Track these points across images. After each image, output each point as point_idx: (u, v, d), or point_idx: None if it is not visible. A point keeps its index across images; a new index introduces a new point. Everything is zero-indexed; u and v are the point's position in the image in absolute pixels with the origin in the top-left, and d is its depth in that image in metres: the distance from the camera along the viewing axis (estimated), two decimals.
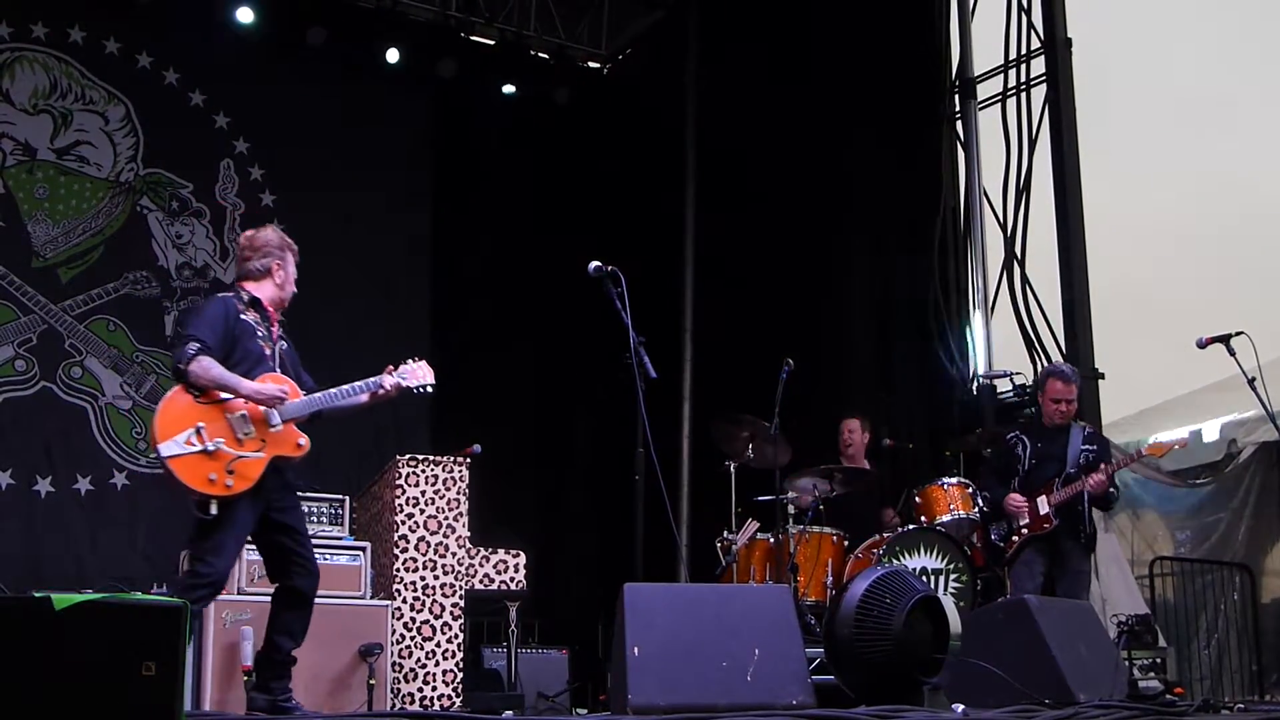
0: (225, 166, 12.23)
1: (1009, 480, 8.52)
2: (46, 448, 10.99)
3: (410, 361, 6.80)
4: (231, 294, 6.46)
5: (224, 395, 6.08)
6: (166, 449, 5.90)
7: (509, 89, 13.20)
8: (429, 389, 6.78)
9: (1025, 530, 8.30)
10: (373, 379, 6.53)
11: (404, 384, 6.67)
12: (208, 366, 6.03)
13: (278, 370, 6.37)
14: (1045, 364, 10.43)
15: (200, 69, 12.06)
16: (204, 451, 5.96)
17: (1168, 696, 6.78)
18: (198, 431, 5.97)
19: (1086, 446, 8.39)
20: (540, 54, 13.46)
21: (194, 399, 6.05)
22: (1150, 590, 9.95)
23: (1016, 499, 8.33)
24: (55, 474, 10.90)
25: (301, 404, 6.30)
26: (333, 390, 6.42)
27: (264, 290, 6.50)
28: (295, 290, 6.66)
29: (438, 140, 13.16)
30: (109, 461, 11.16)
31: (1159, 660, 8.93)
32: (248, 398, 6.09)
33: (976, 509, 8.84)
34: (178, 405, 6.03)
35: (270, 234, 6.67)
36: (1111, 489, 8.27)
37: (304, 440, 6.30)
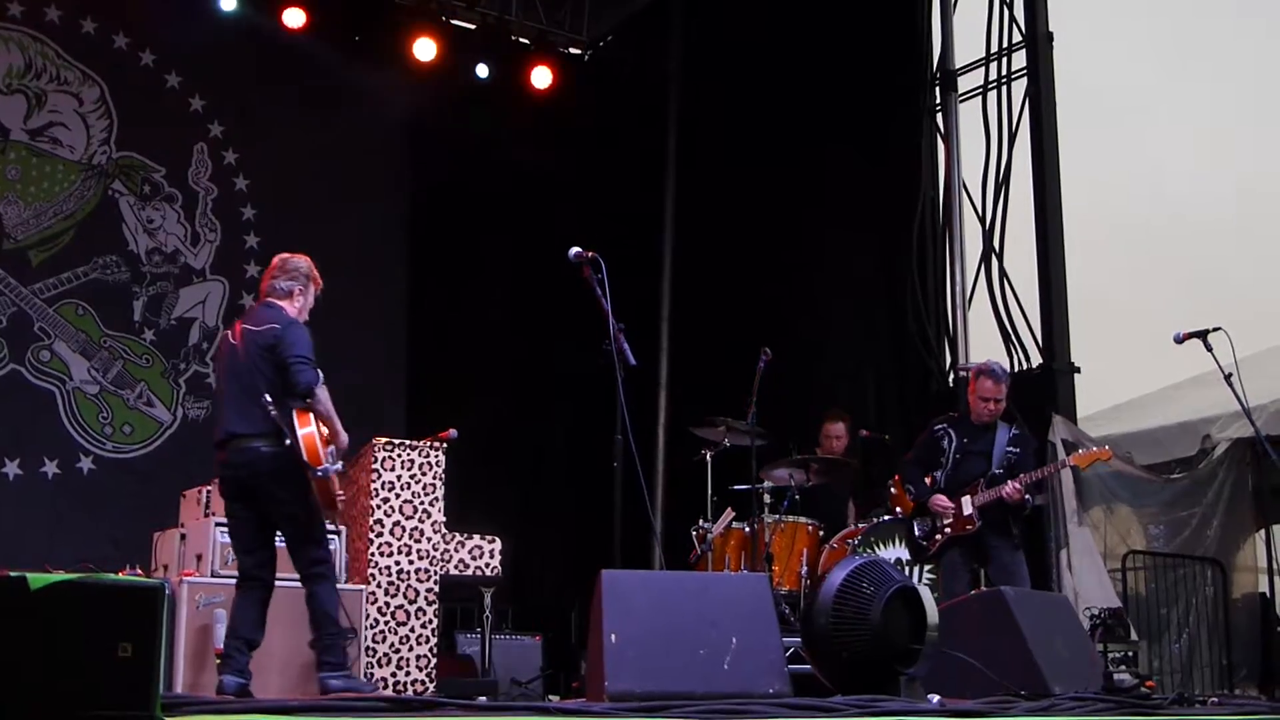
0: (199, 150, 12.16)
1: (932, 473, 8.50)
2: (15, 431, 10.92)
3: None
4: (294, 316, 6.81)
5: None
6: (331, 466, 6.45)
7: (490, 72, 13.09)
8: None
9: (948, 530, 8.28)
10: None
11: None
12: (325, 397, 6.57)
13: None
14: (1022, 357, 10.46)
15: (177, 51, 11.98)
16: (339, 470, 6.56)
17: (1142, 689, 6.79)
18: (334, 452, 6.55)
19: (1011, 449, 8.37)
20: (521, 38, 13.40)
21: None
22: (1123, 584, 9.97)
23: (942, 500, 8.30)
24: (23, 457, 10.83)
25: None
26: None
27: (294, 311, 6.85)
28: (308, 320, 6.95)
29: (415, 125, 13.09)
30: (76, 446, 11.11)
31: (1131, 654, 8.97)
32: (335, 435, 6.59)
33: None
34: (320, 427, 6.51)
35: (302, 262, 7.05)
36: (1027, 496, 8.18)
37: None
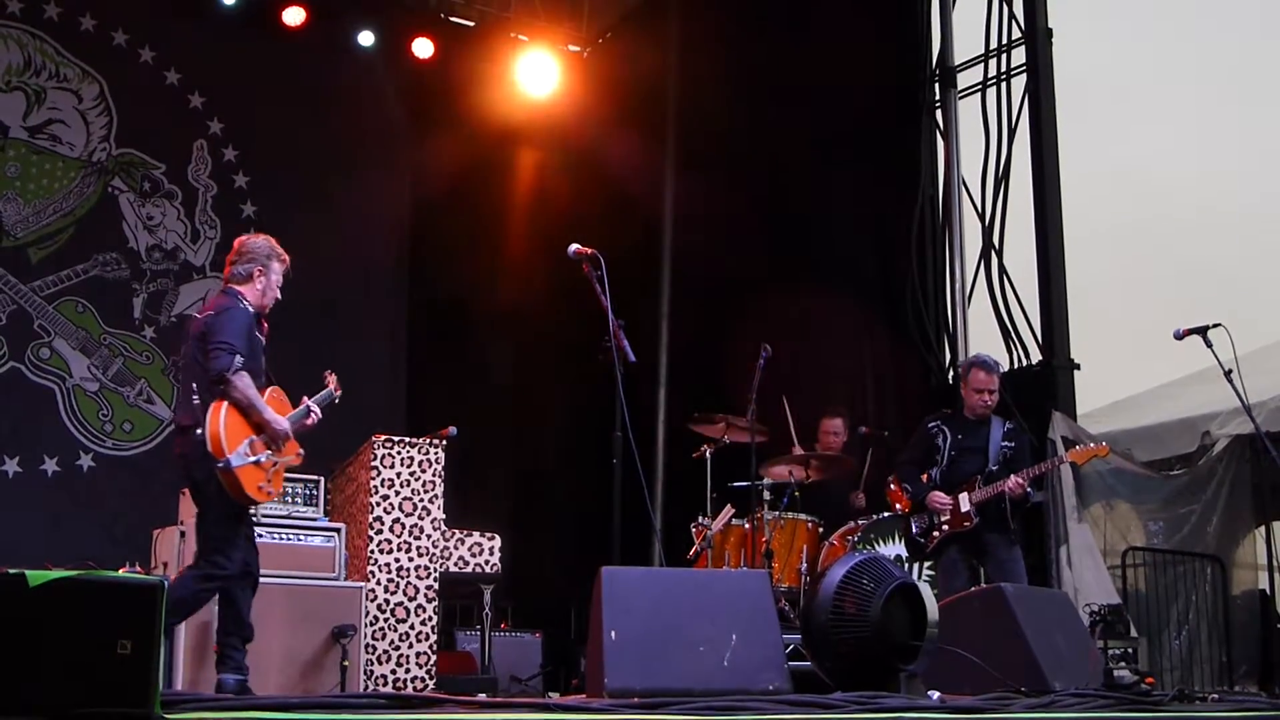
0: (199, 147, 12.16)
1: (927, 470, 8.49)
2: (14, 428, 10.92)
3: (331, 375, 7.20)
4: (242, 300, 6.59)
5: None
6: (235, 459, 6.21)
7: (489, 69, 13.09)
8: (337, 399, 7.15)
9: (946, 527, 8.27)
10: (303, 408, 6.79)
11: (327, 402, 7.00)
12: (246, 384, 6.34)
13: (274, 385, 6.68)
14: (1022, 354, 10.46)
15: (176, 48, 11.99)
16: (256, 462, 6.32)
17: (1142, 686, 6.78)
18: (251, 443, 6.31)
19: (1006, 443, 8.37)
20: (520, 35, 13.39)
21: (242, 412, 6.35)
22: (1122, 580, 9.97)
23: (940, 497, 8.28)
24: (23, 454, 10.82)
25: (297, 415, 6.69)
26: (299, 410, 6.76)
27: (250, 295, 6.65)
28: (278, 297, 6.80)
29: (415, 122, 13.09)
30: (76, 443, 11.11)
31: (1130, 650, 8.97)
32: (263, 425, 6.37)
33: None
34: (234, 417, 6.30)
35: (260, 241, 6.83)
36: (1028, 490, 8.20)
37: (301, 451, 6.69)
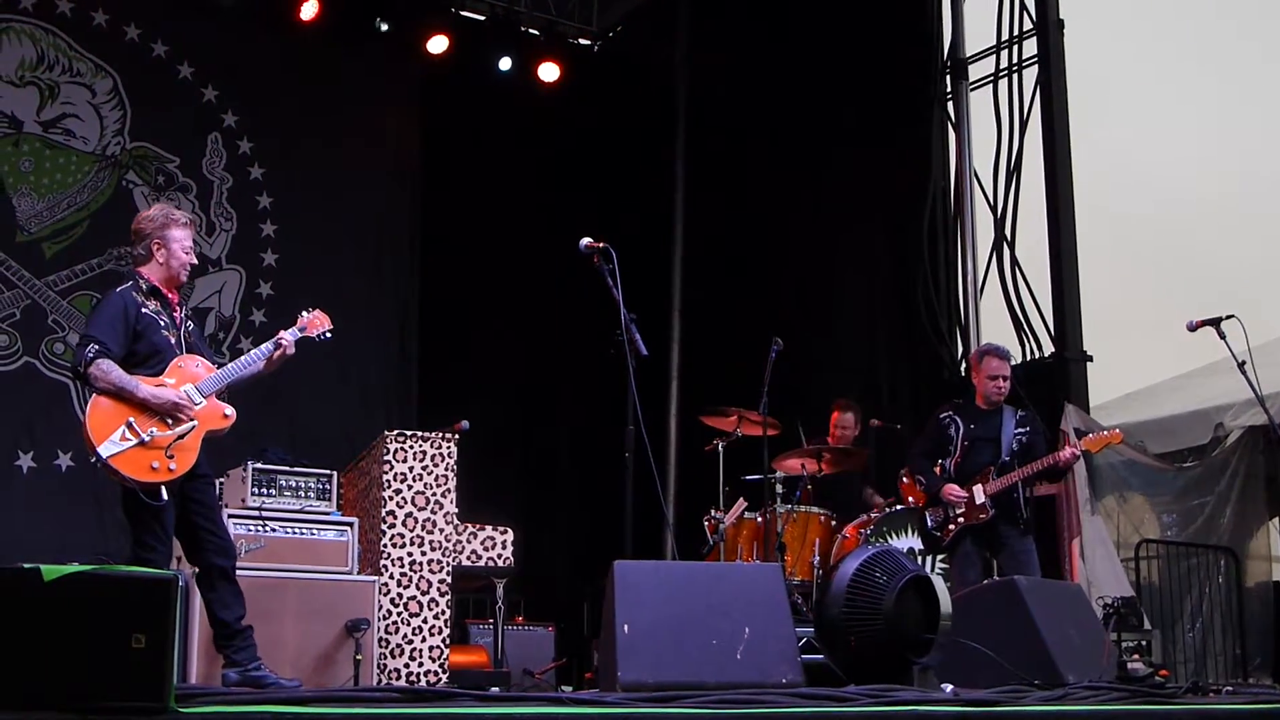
0: (213, 140, 12.15)
1: (940, 461, 8.47)
2: (29, 423, 10.91)
3: (305, 313, 6.96)
4: (130, 284, 6.51)
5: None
6: (105, 450, 6.11)
7: (500, 64, 13.11)
8: (329, 335, 6.98)
9: (961, 519, 8.24)
10: (266, 345, 6.69)
11: (306, 335, 6.86)
12: (106, 370, 6.18)
13: (185, 354, 6.50)
14: (1034, 346, 10.45)
15: (189, 41, 11.96)
16: (141, 443, 6.17)
17: (1155, 678, 6.78)
18: (129, 426, 6.17)
19: (1020, 430, 8.34)
20: (531, 30, 13.40)
21: (116, 398, 6.21)
22: (1135, 573, 9.96)
23: (954, 489, 8.25)
24: (37, 450, 10.83)
25: (215, 379, 6.49)
26: (237, 361, 6.63)
27: (154, 273, 6.57)
28: (191, 260, 6.68)
29: (427, 115, 13.09)
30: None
31: (1144, 643, 8.95)
32: (144, 402, 6.21)
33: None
34: (104, 407, 6.19)
35: (150, 213, 6.70)
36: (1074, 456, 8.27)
37: (230, 410, 6.51)
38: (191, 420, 6.32)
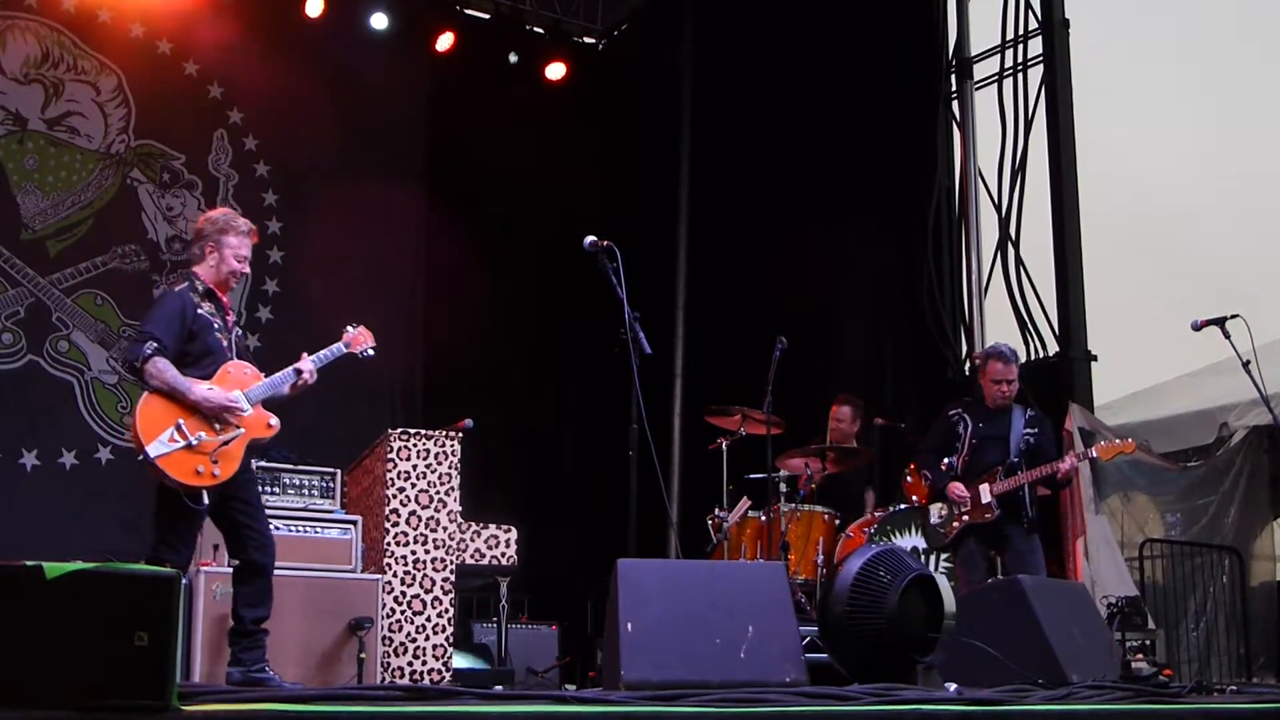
0: (219, 137, 12.15)
1: (947, 459, 8.46)
2: (32, 421, 10.92)
3: (350, 329, 7.00)
4: (186, 284, 6.54)
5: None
6: (153, 450, 6.11)
7: (505, 62, 13.12)
8: (372, 352, 7.02)
9: (966, 518, 8.24)
10: (288, 370, 6.65)
11: (350, 351, 6.90)
12: (162, 369, 6.20)
13: (237, 359, 6.54)
14: (1038, 345, 10.44)
15: (194, 39, 11.96)
16: (188, 446, 6.18)
17: (1160, 678, 6.77)
18: (178, 428, 6.19)
19: (1029, 430, 8.33)
20: (535, 28, 13.41)
21: (168, 398, 6.22)
22: (1140, 572, 9.96)
23: (959, 488, 8.24)
24: (41, 447, 10.83)
25: (264, 387, 6.51)
26: (277, 375, 6.61)
27: (207, 275, 6.61)
28: (243, 270, 6.73)
29: (432, 112, 13.09)
30: (94, 436, 11.10)
31: (1148, 642, 8.95)
32: (195, 404, 6.23)
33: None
34: (155, 406, 6.20)
35: (213, 215, 6.78)
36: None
37: (274, 420, 6.54)
38: (239, 427, 6.34)
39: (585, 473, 12.83)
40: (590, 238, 6.85)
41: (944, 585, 5.85)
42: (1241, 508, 10.31)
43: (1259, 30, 14.70)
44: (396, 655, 7.76)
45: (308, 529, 7.77)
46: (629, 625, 5.35)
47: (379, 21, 12.46)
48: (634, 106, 13.58)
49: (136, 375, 6.29)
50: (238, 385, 6.42)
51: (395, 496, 7.96)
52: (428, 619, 7.92)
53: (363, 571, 7.89)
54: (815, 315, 11.58)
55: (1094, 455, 8.41)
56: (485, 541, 8.34)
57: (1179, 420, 10.63)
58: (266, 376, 6.56)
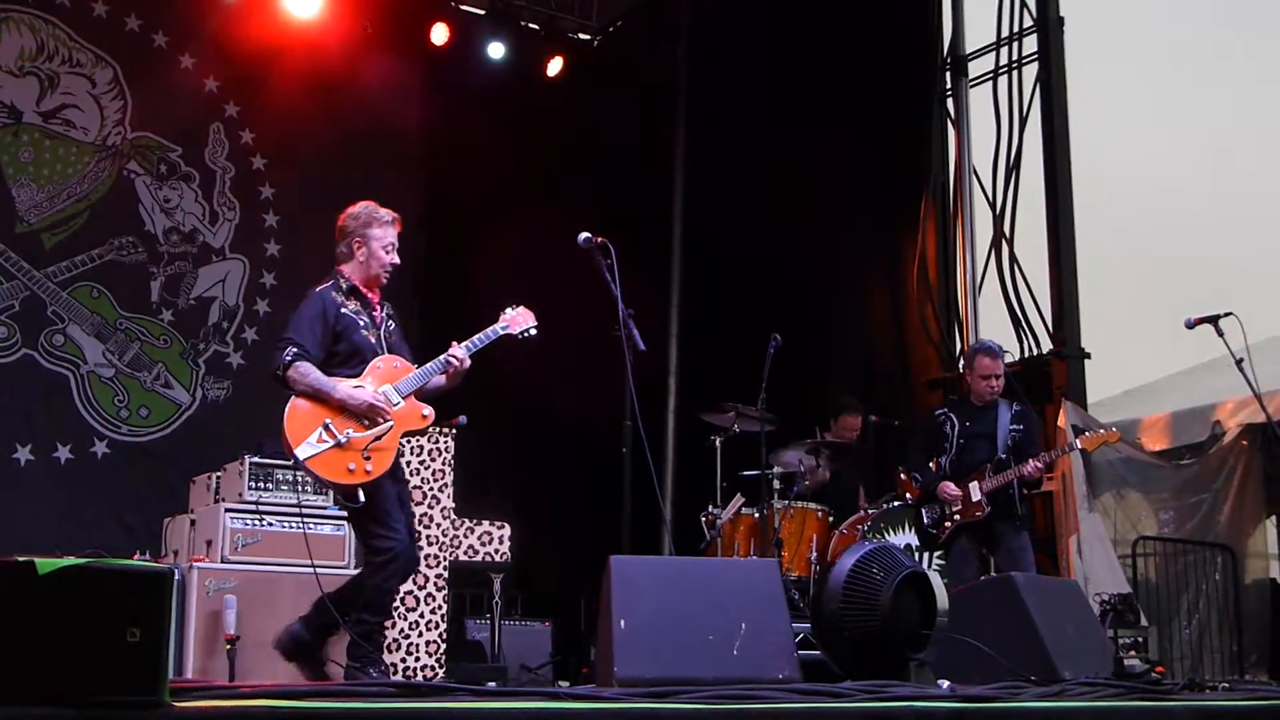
0: (215, 130, 12.13)
1: (936, 458, 8.47)
2: (27, 415, 10.89)
3: (509, 310, 6.98)
4: (330, 283, 6.54)
5: None
6: (302, 452, 6.11)
7: (498, 56, 13.11)
8: (533, 332, 6.97)
9: (957, 517, 8.26)
10: (439, 359, 6.65)
11: (508, 332, 6.90)
12: (304, 372, 6.21)
13: (385, 353, 6.51)
14: (1032, 343, 10.45)
15: (190, 32, 11.94)
16: (337, 445, 6.16)
17: (1152, 675, 6.78)
18: (326, 428, 6.17)
19: (1014, 427, 8.36)
20: (530, 24, 13.40)
21: (314, 400, 6.22)
22: (1133, 569, 9.98)
23: (950, 487, 8.27)
24: (35, 442, 10.80)
25: (414, 378, 6.50)
26: (429, 365, 6.61)
27: (355, 272, 6.61)
28: (393, 260, 6.73)
29: (428, 108, 13.08)
30: (90, 430, 11.07)
31: (1141, 639, 8.97)
32: (341, 403, 6.21)
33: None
34: (302, 409, 6.20)
35: (354, 210, 6.81)
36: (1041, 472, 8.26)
37: (428, 411, 6.54)
38: (388, 420, 6.32)
39: (579, 470, 12.81)
40: (584, 234, 6.85)
41: (937, 582, 5.85)
42: (1234, 505, 10.33)
43: (1253, 32, 14.73)
44: (390, 652, 7.76)
45: (301, 525, 7.76)
46: (622, 622, 5.36)
47: (375, 16, 12.47)
48: (629, 103, 13.56)
49: (280, 383, 6.27)
50: (387, 379, 6.41)
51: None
52: (421, 615, 7.92)
53: (356, 567, 7.88)
54: (810, 313, 11.58)
55: (1079, 447, 8.44)
56: (479, 538, 8.36)
57: (1172, 418, 10.65)
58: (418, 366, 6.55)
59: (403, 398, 6.39)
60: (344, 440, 6.17)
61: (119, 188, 11.60)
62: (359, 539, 6.43)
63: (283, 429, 6.15)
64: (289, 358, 6.20)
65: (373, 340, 6.51)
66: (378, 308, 6.67)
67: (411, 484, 7.99)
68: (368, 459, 6.20)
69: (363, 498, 6.17)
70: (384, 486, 6.29)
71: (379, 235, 6.64)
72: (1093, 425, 9.48)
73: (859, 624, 5.76)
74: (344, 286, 6.53)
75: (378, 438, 6.26)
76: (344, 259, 6.64)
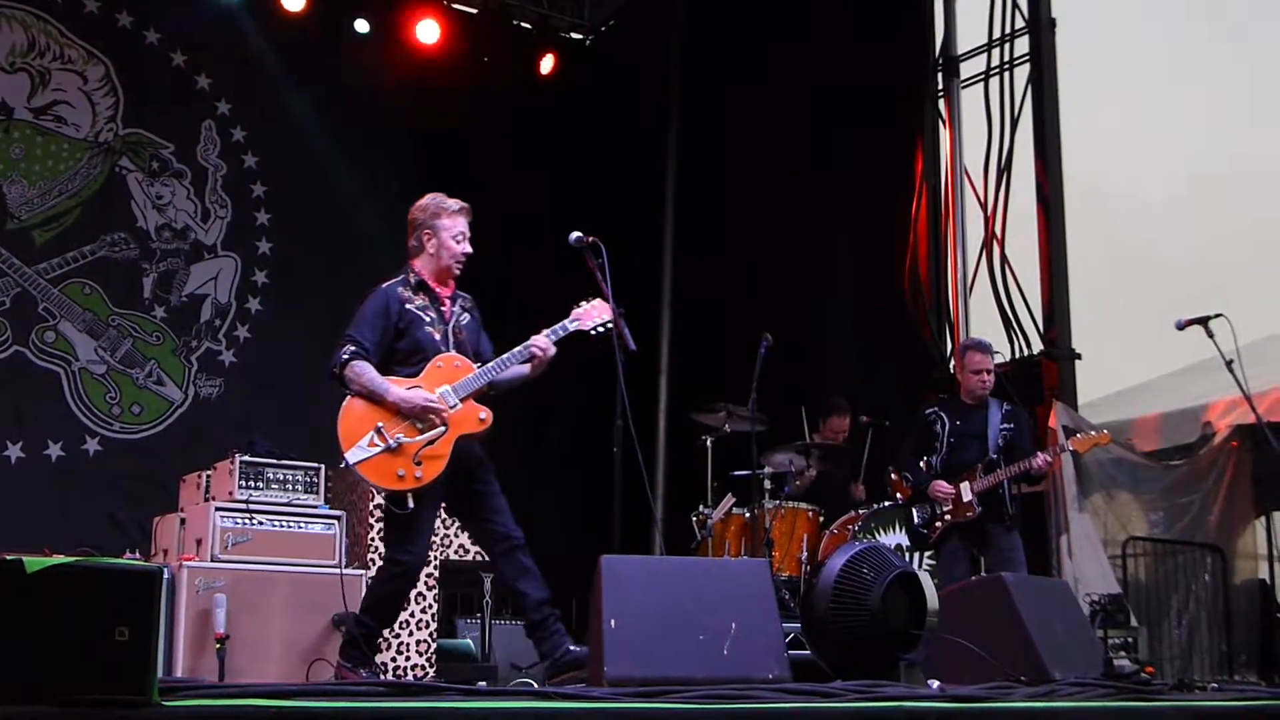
0: (207, 128, 12.13)
1: (927, 458, 8.48)
2: (17, 413, 10.87)
3: (583, 304, 6.75)
4: (399, 279, 6.48)
5: None
6: (353, 456, 6.06)
7: (492, 56, 13.11)
8: (605, 328, 6.68)
9: (948, 517, 8.26)
10: (519, 349, 6.56)
11: (580, 327, 6.66)
12: (360, 372, 6.15)
13: (451, 351, 6.41)
14: (1023, 343, 10.46)
15: (181, 30, 11.95)
16: (388, 450, 6.09)
17: (1142, 675, 6.79)
18: (378, 432, 6.10)
19: (1005, 426, 8.37)
20: (523, 24, 13.39)
21: (368, 401, 6.13)
22: (1123, 570, 9.99)
23: (943, 486, 8.27)
24: (26, 439, 10.79)
25: (472, 380, 6.37)
26: (496, 361, 6.49)
27: (425, 266, 6.55)
28: (464, 249, 6.64)
29: (419, 106, 13.07)
30: (81, 427, 11.06)
31: (1130, 639, 8.98)
32: (394, 406, 6.13)
33: None
34: (355, 410, 6.14)
35: (422, 202, 6.72)
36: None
37: (485, 414, 6.40)
38: (443, 424, 6.21)
39: (569, 469, 12.81)
40: (576, 233, 6.83)
41: (927, 582, 5.85)
42: (1224, 506, 10.34)
43: (1243, 31, 14.76)
44: (380, 651, 7.75)
45: (291, 524, 7.75)
46: (612, 622, 5.35)
47: (365, 15, 12.48)
48: (621, 103, 13.56)
49: (336, 381, 6.21)
50: (446, 380, 6.31)
51: (379, 491, 7.94)
52: (411, 615, 7.92)
53: (346, 567, 7.87)
54: (801, 313, 11.59)
55: (1071, 449, 8.45)
56: (469, 538, 8.34)
57: (1162, 419, 10.66)
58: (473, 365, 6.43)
59: (459, 400, 6.28)
60: (394, 445, 6.09)
61: (111, 184, 11.59)
62: (382, 539, 6.35)
63: (339, 429, 6.12)
64: (345, 356, 6.16)
65: (437, 337, 6.41)
66: (447, 302, 6.56)
67: None
68: (419, 464, 6.12)
69: (411, 504, 6.08)
70: (429, 497, 6.23)
71: (448, 225, 6.58)
72: (1084, 426, 9.49)
73: (849, 624, 5.75)
74: (412, 282, 6.48)
75: (430, 442, 6.17)
76: (415, 253, 6.58)
